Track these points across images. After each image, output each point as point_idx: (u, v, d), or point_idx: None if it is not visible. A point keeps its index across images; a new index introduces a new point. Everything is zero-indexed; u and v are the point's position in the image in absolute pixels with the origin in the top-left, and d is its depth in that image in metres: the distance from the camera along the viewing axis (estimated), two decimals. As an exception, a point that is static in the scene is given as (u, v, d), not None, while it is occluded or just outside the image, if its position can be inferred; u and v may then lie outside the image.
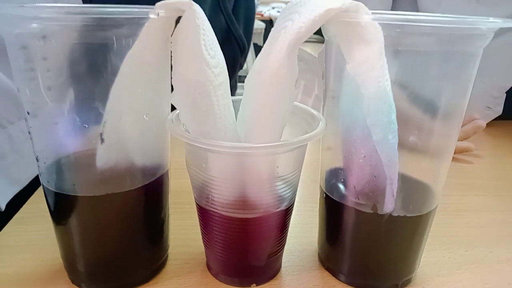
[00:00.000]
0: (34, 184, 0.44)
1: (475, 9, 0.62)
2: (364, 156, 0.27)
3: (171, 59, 0.26)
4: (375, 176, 0.27)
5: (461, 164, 0.55)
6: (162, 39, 0.26)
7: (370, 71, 0.24)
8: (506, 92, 0.67)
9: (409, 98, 0.26)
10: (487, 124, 0.61)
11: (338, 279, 0.31)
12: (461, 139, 0.58)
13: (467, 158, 0.56)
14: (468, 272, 0.33)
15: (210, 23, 0.26)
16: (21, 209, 0.39)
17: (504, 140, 0.65)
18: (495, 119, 0.68)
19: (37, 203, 0.40)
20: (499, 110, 0.68)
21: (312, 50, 0.87)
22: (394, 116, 0.25)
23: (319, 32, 0.28)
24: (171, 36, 0.25)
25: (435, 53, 0.25)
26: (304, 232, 0.37)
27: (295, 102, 0.30)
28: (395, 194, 0.26)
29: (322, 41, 0.32)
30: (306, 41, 0.26)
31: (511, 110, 0.68)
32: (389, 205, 0.27)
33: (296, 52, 0.25)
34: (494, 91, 0.67)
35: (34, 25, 0.23)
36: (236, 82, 0.84)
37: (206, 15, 0.25)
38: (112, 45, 0.24)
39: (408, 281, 0.31)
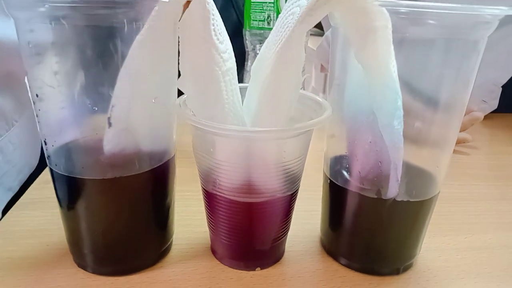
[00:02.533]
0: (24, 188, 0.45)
1: None
2: (370, 142, 0.28)
3: (178, 44, 0.26)
4: (380, 162, 0.27)
5: (459, 155, 0.55)
6: (170, 23, 0.26)
7: (377, 57, 0.25)
8: (502, 87, 0.68)
9: (413, 87, 0.27)
10: (484, 116, 0.62)
11: (340, 263, 0.32)
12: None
13: (465, 149, 0.57)
14: (467, 258, 0.33)
15: (221, 16, 0.26)
16: (24, 195, 0.40)
17: (500, 131, 0.66)
18: (491, 112, 0.69)
19: (40, 189, 0.41)
20: (494, 104, 0.69)
21: (311, 43, 0.87)
22: (400, 102, 0.25)
23: (318, 25, 0.28)
24: (179, 21, 0.25)
25: (439, 41, 0.25)
26: (306, 218, 0.37)
27: (301, 91, 0.30)
28: (399, 179, 0.27)
29: (321, 34, 0.32)
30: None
31: (507, 105, 0.69)
32: (393, 190, 0.27)
33: (303, 38, 0.26)
34: (490, 85, 0.67)
35: (42, 8, 0.23)
36: (243, 76, 0.85)
37: (218, 9, 0.25)
38: (121, 28, 0.24)
39: (410, 266, 0.31)
